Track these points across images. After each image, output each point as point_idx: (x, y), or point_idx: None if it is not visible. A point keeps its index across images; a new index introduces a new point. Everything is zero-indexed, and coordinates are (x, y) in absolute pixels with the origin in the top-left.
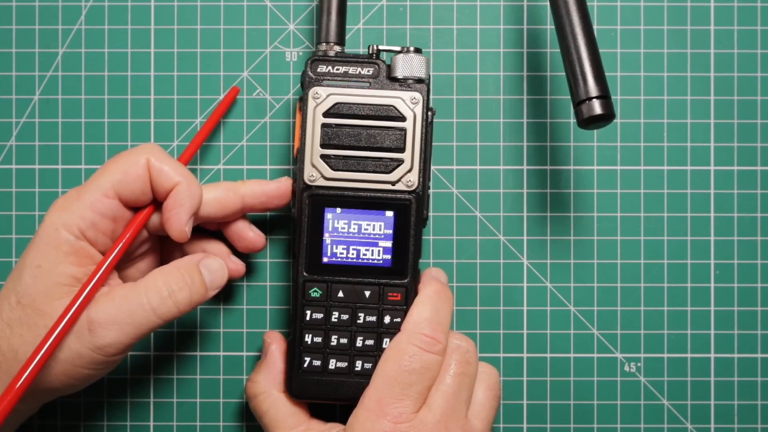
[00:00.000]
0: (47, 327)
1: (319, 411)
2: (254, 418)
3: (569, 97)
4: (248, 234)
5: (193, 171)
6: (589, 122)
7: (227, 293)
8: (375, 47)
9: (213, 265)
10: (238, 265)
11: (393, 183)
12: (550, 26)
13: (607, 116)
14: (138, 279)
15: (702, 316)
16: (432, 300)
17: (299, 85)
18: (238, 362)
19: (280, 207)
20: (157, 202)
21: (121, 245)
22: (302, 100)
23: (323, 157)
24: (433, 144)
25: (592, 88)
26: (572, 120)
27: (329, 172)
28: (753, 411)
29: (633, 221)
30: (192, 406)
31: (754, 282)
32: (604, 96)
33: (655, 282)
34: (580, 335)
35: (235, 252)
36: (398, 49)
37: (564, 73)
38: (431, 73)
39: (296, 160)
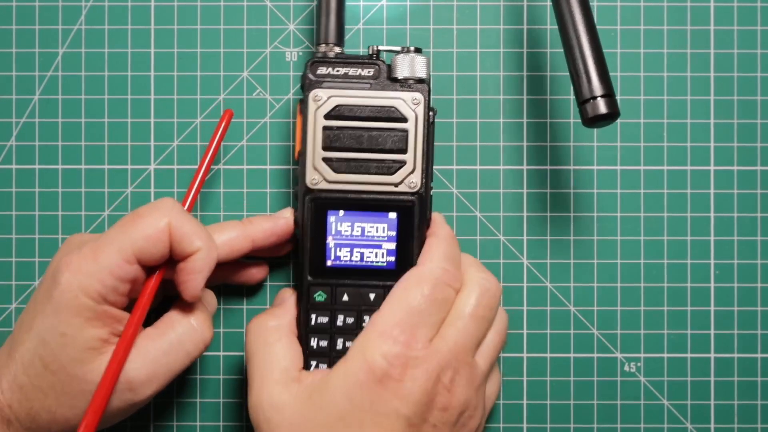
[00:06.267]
0: (83, 391)
1: None
2: None
3: (569, 96)
4: (250, 269)
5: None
6: (594, 121)
7: (227, 293)
8: (375, 48)
9: (208, 297)
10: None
11: (396, 185)
12: (550, 26)
13: (612, 115)
14: None
15: (702, 316)
16: (448, 240)
17: (299, 85)
18: (238, 362)
19: (285, 241)
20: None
21: (142, 307)
22: (302, 102)
23: (325, 159)
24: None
25: (597, 87)
26: (572, 120)
27: (332, 175)
28: (753, 411)
29: (633, 221)
30: (192, 406)
31: (754, 282)
32: (609, 94)
33: (655, 282)
34: (580, 335)
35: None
36: (398, 49)
37: (564, 73)
38: (431, 73)
39: (297, 161)
